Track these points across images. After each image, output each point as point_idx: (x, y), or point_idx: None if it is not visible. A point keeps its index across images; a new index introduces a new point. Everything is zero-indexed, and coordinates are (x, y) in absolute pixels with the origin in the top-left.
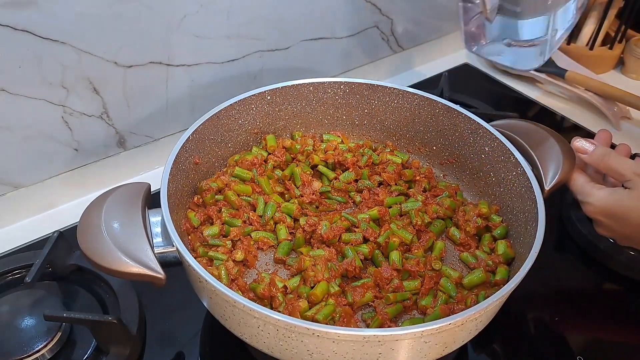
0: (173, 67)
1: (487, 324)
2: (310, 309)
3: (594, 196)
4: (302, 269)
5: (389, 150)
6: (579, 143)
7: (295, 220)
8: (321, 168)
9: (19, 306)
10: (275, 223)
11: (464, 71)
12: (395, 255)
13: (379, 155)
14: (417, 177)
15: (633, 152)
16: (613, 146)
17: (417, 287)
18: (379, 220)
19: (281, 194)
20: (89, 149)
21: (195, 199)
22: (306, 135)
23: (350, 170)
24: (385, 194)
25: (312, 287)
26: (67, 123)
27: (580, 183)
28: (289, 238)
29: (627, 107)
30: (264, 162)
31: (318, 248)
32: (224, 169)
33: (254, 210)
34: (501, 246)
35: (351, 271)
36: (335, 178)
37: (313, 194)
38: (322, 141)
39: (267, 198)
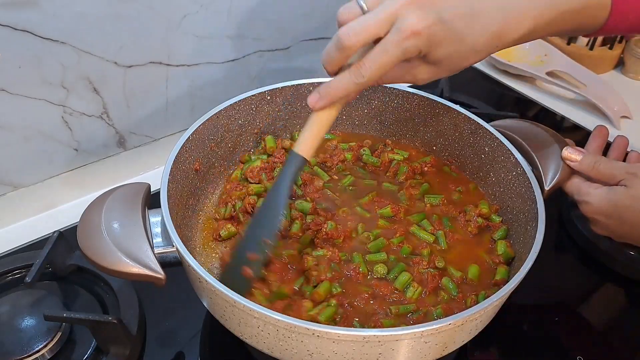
0: (173, 67)
1: (487, 324)
2: (313, 307)
3: (592, 195)
4: (305, 269)
5: (389, 149)
6: (568, 152)
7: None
8: (316, 169)
9: (19, 306)
10: (292, 220)
11: (464, 71)
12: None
13: (379, 157)
14: (426, 168)
15: (631, 150)
16: (610, 144)
17: (416, 303)
18: (392, 219)
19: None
20: (89, 149)
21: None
22: None
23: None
24: (408, 189)
25: (314, 287)
26: (67, 123)
27: (577, 183)
28: (300, 234)
29: (627, 106)
30: (272, 169)
31: (322, 248)
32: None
33: None
34: (501, 246)
35: (354, 277)
36: (330, 180)
37: (316, 191)
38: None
39: None
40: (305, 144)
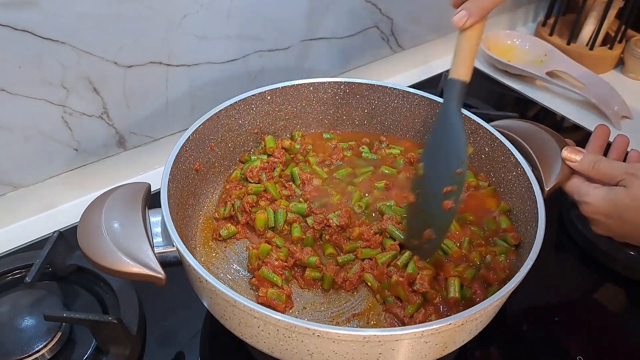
0: (173, 67)
1: (487, 324)
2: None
3: (592, 195)
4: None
5: (385, 145)
6: (568, 152)
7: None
8: (316, 168)
9: (19, 306)
10: (291, 224)
11: None
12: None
13: (377, 153)
14: None
15: (631, 149)
16: (609, 144)
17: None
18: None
19: (287, 198)
20: (89, 149)
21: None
22: (306, 135)
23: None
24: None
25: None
26: (67, 123)
27: (576, 183)
28: (302, 237)
29: (627, 106)
30: (272, 169)
31: (329, 241)
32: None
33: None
34: (491, 202)
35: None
36: (328, 178)
37: (314, 190)
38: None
39: (274, 206)
40: (462, 67)
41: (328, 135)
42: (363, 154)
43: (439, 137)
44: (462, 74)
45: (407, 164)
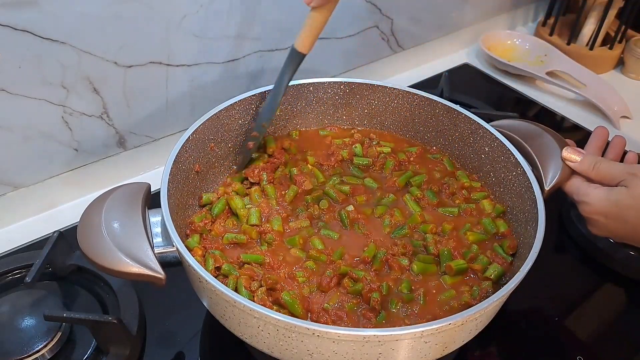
0: (173, 67)
1: (487, 324)
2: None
3: (592, 196)
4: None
5: (375, 142)
6: (568, 152)
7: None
8: (314, 169)
9: (19, 306)
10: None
11: (464, 71)
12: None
13: (367, 152)
14: (412, 159)
15: (629, 150)
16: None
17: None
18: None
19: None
20: (89, 149)
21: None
22: (306, 129)
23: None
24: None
25: None
26: (67, 123)
27: (576, 183)
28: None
29: (627, 106)
30: (273, 170)
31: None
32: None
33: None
34: (487, 205)
35: (325, 286)
36: (324, 182)
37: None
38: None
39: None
40: (305, 40)
41: (324, 132)
42: (355, 159)
43: (269, 95)
44: (304, 47)
45: (397, 166)
